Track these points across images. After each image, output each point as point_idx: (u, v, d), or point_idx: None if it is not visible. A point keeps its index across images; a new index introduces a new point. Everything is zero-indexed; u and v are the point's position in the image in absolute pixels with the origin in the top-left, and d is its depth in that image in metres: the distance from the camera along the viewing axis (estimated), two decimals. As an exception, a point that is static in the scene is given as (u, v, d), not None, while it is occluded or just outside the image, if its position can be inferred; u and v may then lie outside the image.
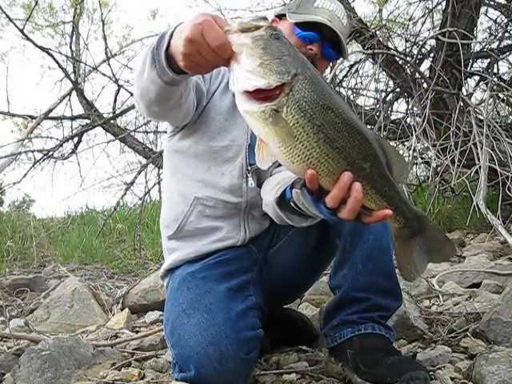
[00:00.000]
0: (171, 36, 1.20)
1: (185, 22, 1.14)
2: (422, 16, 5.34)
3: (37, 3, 6.82)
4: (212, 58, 1.06)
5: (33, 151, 6.66)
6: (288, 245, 1.71)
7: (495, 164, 3.57)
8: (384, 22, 5.27)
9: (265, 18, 1.07)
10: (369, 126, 4.63)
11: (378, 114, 4.62)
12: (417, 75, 4.62)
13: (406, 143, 4.74)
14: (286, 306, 2.10)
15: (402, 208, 1.18)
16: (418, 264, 1.26)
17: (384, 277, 1.57)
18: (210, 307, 1.47)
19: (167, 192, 1.77)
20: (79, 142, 7.13)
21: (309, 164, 1.08)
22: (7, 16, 5.80)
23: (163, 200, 1.83)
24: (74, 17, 7.39)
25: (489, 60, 4.96)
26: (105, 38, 6.92)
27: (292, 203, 1.36)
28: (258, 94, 1.04)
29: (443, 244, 1.27)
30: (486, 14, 5.36)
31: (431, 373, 1.52)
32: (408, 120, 4.61)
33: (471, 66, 4.90)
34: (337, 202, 1.12)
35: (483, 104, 4.22)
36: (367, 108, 5.16)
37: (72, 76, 7.10)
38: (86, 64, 7.27)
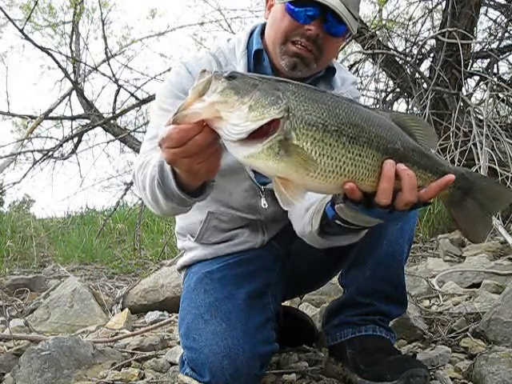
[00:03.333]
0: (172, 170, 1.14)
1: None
2: (422, 16, 5.35)
3: (36, 3, 6.82)
4: (199, 143, 0.99)
5: (32, 151, 6.66)
6: None
7: (495, 164, 3.57)
8: (384, 22, 5.27)
9: (203, 70, 0.97)
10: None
11: (377, 114, 4.61)
12: (417, 75, 4.63)
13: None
14: (288, 305, 2.10)
15: (447, 172, 1.11)
16: (483, 221, 1.19)
17: (391, 284, 1.57)
18: (228, 316, 1.44)
19: None
20: (79, 141, 7.13)
21: (346, 174, 0.99)
22: (7, 16, 5.80)
23: None
24: (73, 16, 7.38)
25: (489, 60, 4.97)
26: (105, 38, 6.92)
27: (338, 221, 1.21)
28: (253, 137, 0.94)
29: (498, 190, 1.21)
30: (485, 14, 5.37)
31: (431, 373, 1.52)
32: (408, 120, 4.60)
33: (471, 66, 4.91)
34: (389, 195, 1.05)
35: (483, 104, 4.23)
36: (367, 108, 5.15)
37: (72, 76, 7.10)
38: (85, 64, 7.27)
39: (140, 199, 5.87)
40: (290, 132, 0.95)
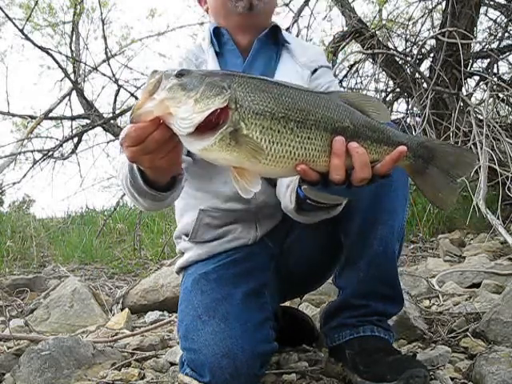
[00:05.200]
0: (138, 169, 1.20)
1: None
2: (422, 16, 5.35)
3: (36, 3, 6.81)
4: (157, 140, 1.02)
5: (32, 151, 6.65)
6: (302, 235, 1.64)
7: (495, 164, 3.57)
8: (384, 22, 5.27)
9: (154, 70, 1.01)
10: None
11: (377, 113, 4.61)
12: (417, 75, 4.63)
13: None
14: (288, 305, 2.10)
15: (403, 142, 1.13)
16: (448, 187, 1.20)
17: (386, 284, 1.56)
18: (226, 316, 1.44)
19: (178, 201, 1.74)
20: (79, 141, 7.12)
21: (297, 157, 1.03)
22: (6, 16, 5.79)
23: (176, 209, 1.80)
24: (73, 16, 7.38)
25: (489, 60, 4.97)
26: (104, 38, 6.91)
27: (309, 200, 1.27)
28: (202, 130, 0.97)
29: (460, 154, 1.21)
30: (485, 14, 5.37)
31: (431, 373, 1.52)
32: (408, 120, 4.62)
33: (471, 66, 4.91)
34: (342, 171, 1.07)
35: (483, 104, 4.22)
36: (367, 108, 5.15)
37: (72, 76, 7.10)
38: (85, 64, 7.27)
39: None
40: (239, 122, 0.98)
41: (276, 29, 1.71)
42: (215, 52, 1.66)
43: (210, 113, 0.96)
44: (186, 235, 1.71)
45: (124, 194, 6.15)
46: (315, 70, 1.69)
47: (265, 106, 1.01)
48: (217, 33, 1.68)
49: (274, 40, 1.71)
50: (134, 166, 1.21)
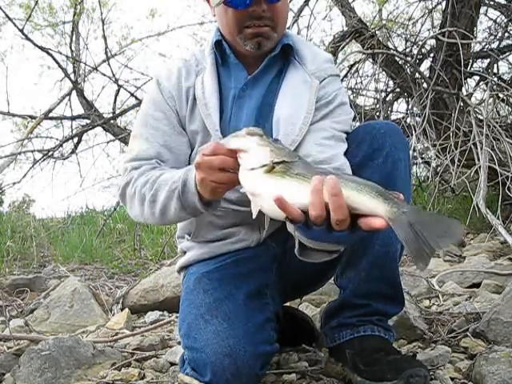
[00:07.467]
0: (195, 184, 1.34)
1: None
2: (422, 16, 5.34)
3: (37, 3, 6.81)
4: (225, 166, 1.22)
5: (33, 151, 6.65)
6: None
7: (495, 164, 3.57)
8: (384, 22, 5.27)
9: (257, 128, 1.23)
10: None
11: (378, 114, 4.63)
12: (417, 75, 4.62)
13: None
14: (288, 305, 2.10)
15: (381, 214, 1.06)
16: (428, 250, 1.07)
17: (387, 284, 1.56)
18: (229, 315, 1.45)
19: None
20: (79, 141, 7.12)
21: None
22: (7, 16, 5.79)
23: None
24: (73, 16, 7.37)
25: (489, 60, 4.97)
26: (104, 38, 6.91)
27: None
28: None
29: (447, 225, 1.08)
30: (485, 14, 5.36)
31: (431, 373, 1.52)
32: (408, 120, 4.62)
33: (471, 66, 4.91)
34: (318, 208, 1.06)
35: (483, 104, 4.22)
36: (367, 108, 5.16)
37: (72, 76, 7.10)
38: (85, 64, 7.27)
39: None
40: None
41: (288, 47, 1.65)
42: (218, 61, 1.63)
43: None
44: (189, 234, 1.71)
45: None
46: (324, 79, 1.65)
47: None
48: (218, 45, 1.64)
49: (284, 54, 1.65)
50: (192, 183, 1.35)
